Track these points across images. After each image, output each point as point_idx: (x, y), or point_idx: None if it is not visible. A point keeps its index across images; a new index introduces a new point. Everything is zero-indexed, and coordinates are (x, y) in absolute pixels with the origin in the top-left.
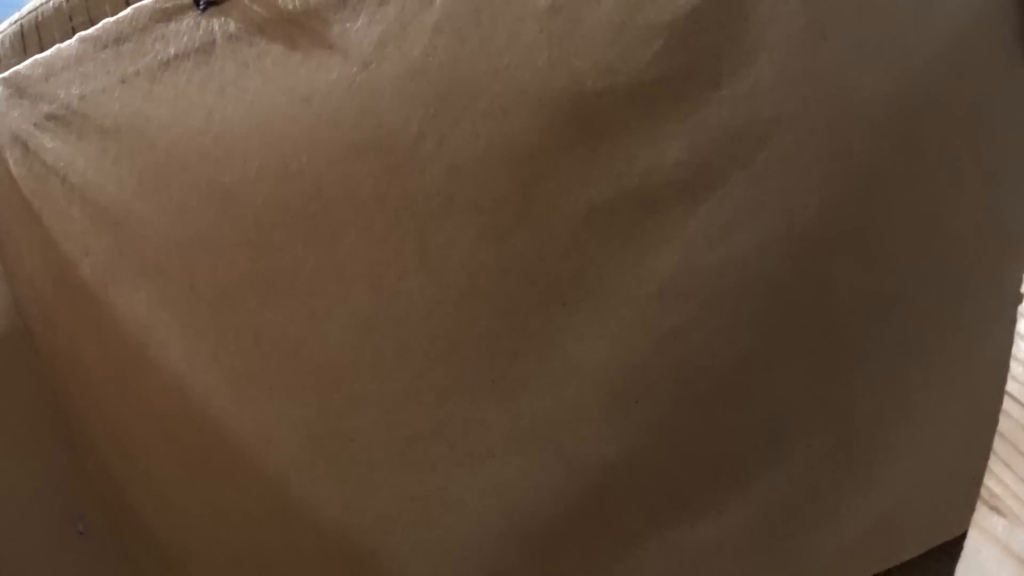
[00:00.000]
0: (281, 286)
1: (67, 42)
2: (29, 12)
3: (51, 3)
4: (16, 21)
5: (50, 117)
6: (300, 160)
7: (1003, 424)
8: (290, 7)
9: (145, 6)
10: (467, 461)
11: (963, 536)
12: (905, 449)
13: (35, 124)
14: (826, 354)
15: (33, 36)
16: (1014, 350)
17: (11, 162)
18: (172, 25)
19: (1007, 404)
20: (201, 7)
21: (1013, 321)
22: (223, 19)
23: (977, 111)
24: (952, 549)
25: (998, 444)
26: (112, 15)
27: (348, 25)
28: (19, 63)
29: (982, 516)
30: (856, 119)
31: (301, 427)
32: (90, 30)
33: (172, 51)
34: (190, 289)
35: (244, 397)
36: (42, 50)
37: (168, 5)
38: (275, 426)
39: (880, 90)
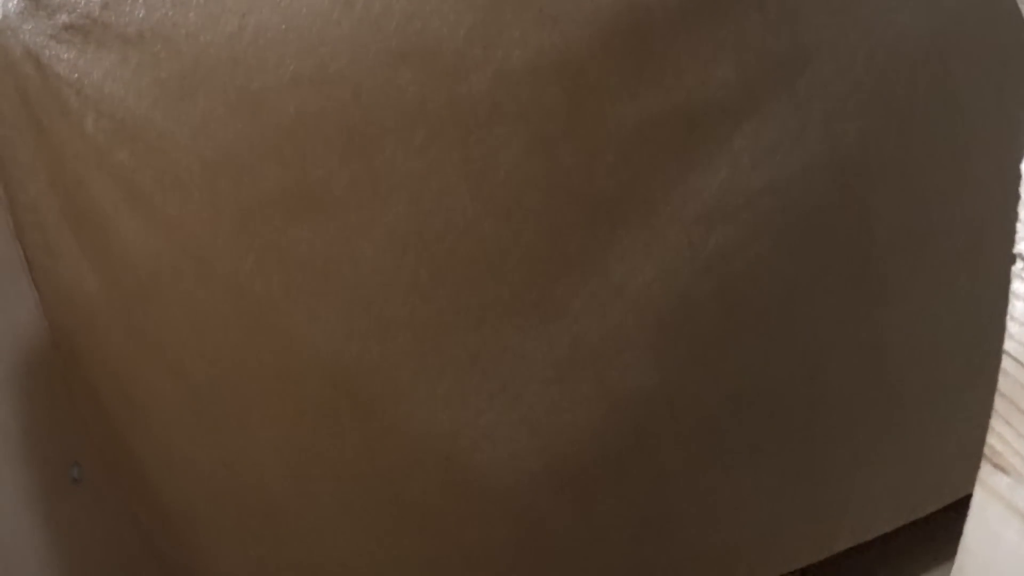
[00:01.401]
0: (312, 201)
1: None
2: None
3: None
4: None
5: (68, 27)
6: (339, 64)
7: (1002, 383)
8: None
9: None
10: (500, 392)
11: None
12: (934, 396)
13: (51, 36)
14: (863, 289)
15: None
16: (1010, 310)
17: (22, 78)
18: None
19: (1005, 362)
20: None
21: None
22: None
23: (1004, 59)
24: (960, 507)
25: (999, 402)
26: None
27: None
28: None
29: (986, 474)
30: (892, 53)
31: (324, 358)
32: None
33: None
34: (212, 206)
35: (263, 325)
36: None
37: None
38: (295, 357)
39: (915, 27)
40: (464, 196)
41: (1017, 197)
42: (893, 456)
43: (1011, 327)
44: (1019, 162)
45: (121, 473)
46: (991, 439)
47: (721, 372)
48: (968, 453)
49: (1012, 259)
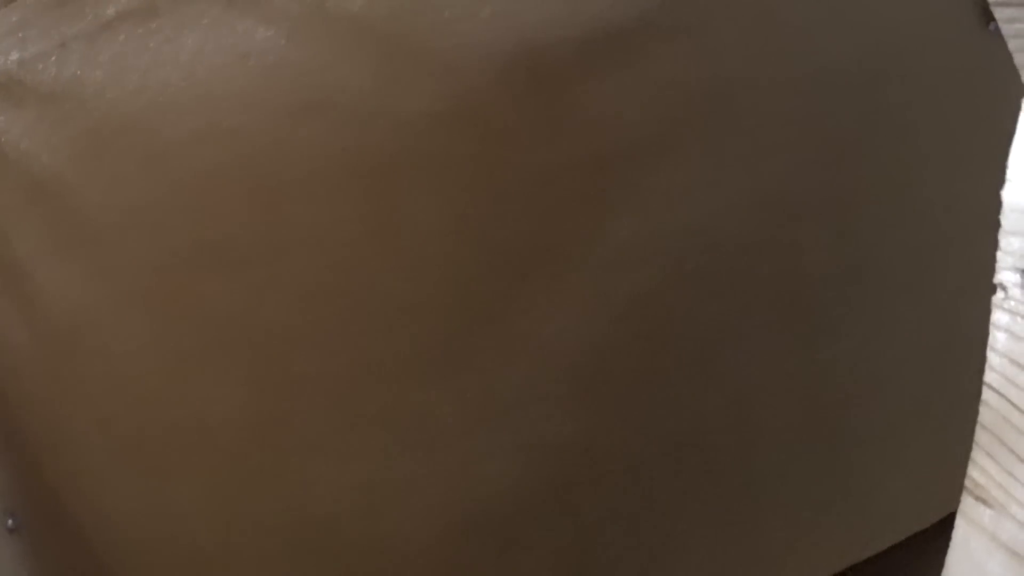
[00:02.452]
0: (220, 256)
1: (9, 6)
2: None
3: None
4: None
5: None
6: (238, 120)
7: (984, 415)
8: None
9: None
10: (414, 446)
11: (951, 524)
12: (879, 432)
13: None
14: (795, 328)
15: None
16: (991, 340)
17: None
18: None
19: (987, 394)
20: None
21: (988, 304)
22: None
23: (942, 82)
24: (941, 538)
25: (980, 435)
26: None
27: None
28: None
29: (968, 506)
30: (818, 82)
31: (238, 410)
32: None
33: (112, 12)
34: (126, 262)
35: (181, 377)
36: None
37: None
38: (212, 409)
39: (846, 55)
40: (368, 248)
41: (997, 224)
42: (837, 494)
43: (992, 359)
44: (974, 188)
45: (56, 522)
46: (973, 472)
47: (645, 419)
48: (920, 486)
49: (993, 289)
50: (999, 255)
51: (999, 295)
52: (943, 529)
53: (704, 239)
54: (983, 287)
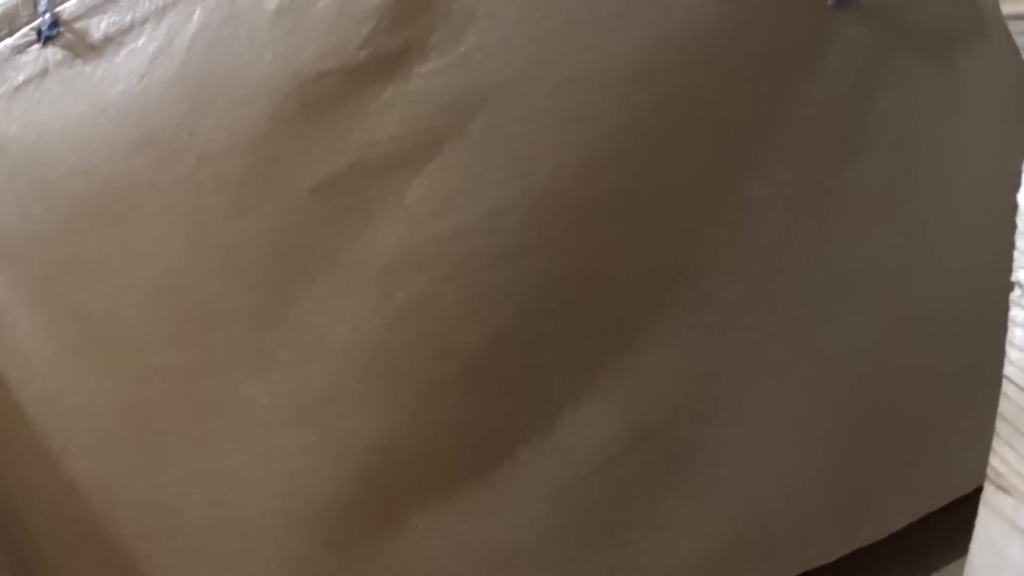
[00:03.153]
0: (88, 266)
1: None
2: None
3: None
4: None
5: None
6: (96, 159)
7: (1004, 406)
8: (96, 36)
9: (8, 43)
10: (243, 435)
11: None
12: (734, 452)
13: None
14: (602, 335)
15: None
16: (1009, 336)
17: None
18: (22, 56)
19: (1006, 387)
20: (41, 41)
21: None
22: (54, 49)
23: (772, 67)
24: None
25: (1001, 426)
26: None
27: (133, 45)
28: None
29: (990, 495)
30: (591, 80)
31: (115, 397)
32: None
33: (22, 77)
34: (31, 271)
35: (73, 368)
36: None
37: (22, 41)
38: (96, 396)
39: (631, 46)
40: (188, 259)
41: (1013, 225)
42: (695, 521)
43: (1011, 353)
44: (829, 178)
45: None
46: (994, 461)
47: (441, 419)
48: (813, 513)
49: (1010, 287)
50: (1016, 255)
51: (1016, 292)
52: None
53: (474, 244)
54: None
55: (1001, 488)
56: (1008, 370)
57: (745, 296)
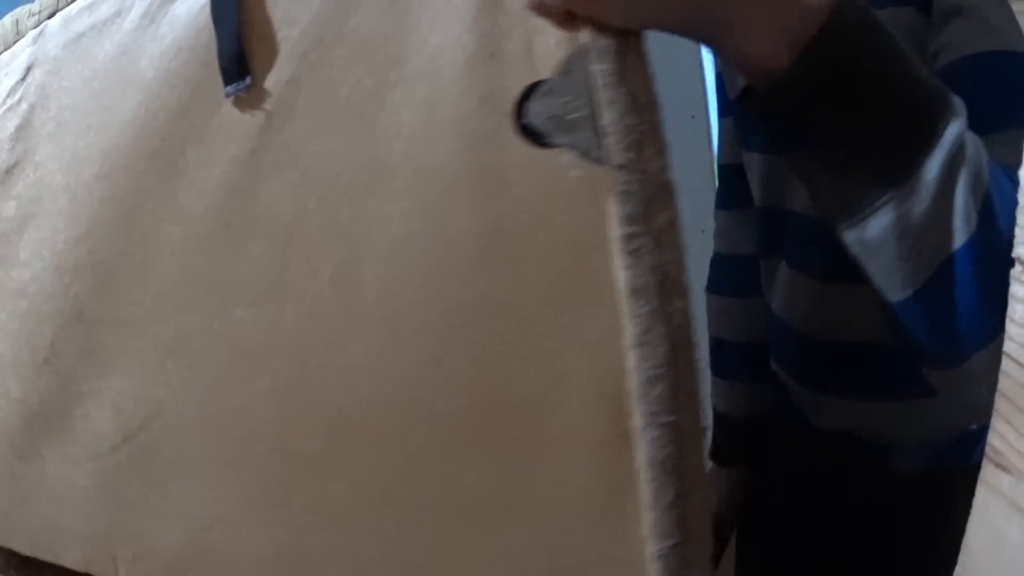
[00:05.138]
0: None
1: None
2: None
3: None
4: None
5: None
6: None
7: (1003, 383)
8: None
9: None
10: None
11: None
12: None
13: None
14: None
15: None
16: (1009, 312)
17: None
18: None
19: (1006, 364)
20: None
21: None
22: None
23: None
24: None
25: (1000, 403)
26: None
27: None
28: None
29: (988, 473)
30: None
31: None
32: None
33: None
34: None
35: None
36: None
37: None
38: None
39: None
40: None
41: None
42: None
43: (1011, 329)
44: None
45: None
46: (993, 439)
47: None
48: None
49: (1011, 263)
50: (1017, 231)
51: (1017, 268)
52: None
53: None
54: None
55: (1000, 466)
56: (1008, 347)
57: None
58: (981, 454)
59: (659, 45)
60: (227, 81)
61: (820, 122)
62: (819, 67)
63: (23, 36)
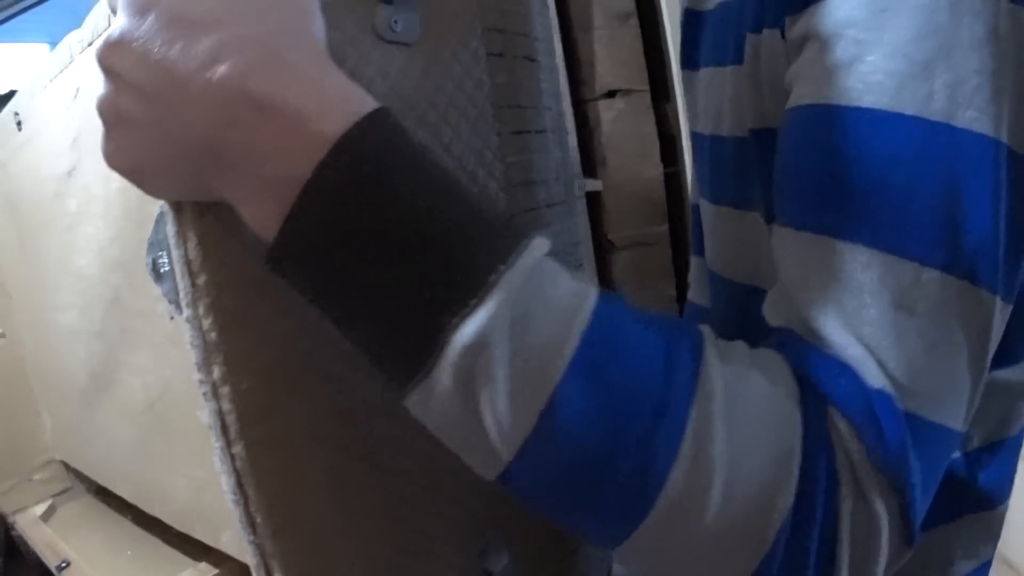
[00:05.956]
0: None
1: None
2: None
3: None
4: None
5: None
6: None
7: None
8: None
9: None
10: None
11: None
12: None
13: None
14: None
15: None
16: None
17: None
18: None
19: None
20: None
21: None
22: None
23: None
24: None
25: None
26: None
27: None
28: None
29: None
30: None
31: None
32: None
33: None
34: None
35: None
36: None
37: None
38: None
39: None
40: None
41: None
42: None
43: None
44: None
45: None
46: None
47: None
48: None
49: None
50: None
51: None
52: None
53: None
54: None
55: None
56: None
57: None
58: None
59: None
60: None
61: (319, 300)
62: (300, 236)
63: (73, 60)
